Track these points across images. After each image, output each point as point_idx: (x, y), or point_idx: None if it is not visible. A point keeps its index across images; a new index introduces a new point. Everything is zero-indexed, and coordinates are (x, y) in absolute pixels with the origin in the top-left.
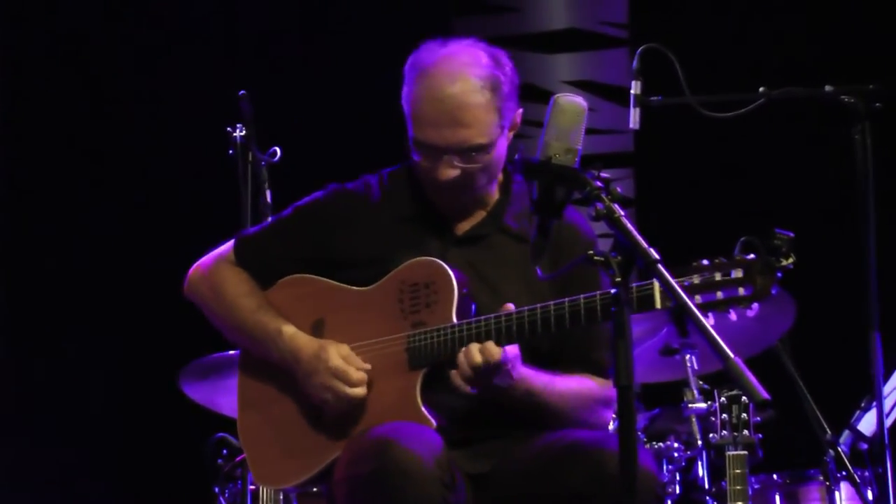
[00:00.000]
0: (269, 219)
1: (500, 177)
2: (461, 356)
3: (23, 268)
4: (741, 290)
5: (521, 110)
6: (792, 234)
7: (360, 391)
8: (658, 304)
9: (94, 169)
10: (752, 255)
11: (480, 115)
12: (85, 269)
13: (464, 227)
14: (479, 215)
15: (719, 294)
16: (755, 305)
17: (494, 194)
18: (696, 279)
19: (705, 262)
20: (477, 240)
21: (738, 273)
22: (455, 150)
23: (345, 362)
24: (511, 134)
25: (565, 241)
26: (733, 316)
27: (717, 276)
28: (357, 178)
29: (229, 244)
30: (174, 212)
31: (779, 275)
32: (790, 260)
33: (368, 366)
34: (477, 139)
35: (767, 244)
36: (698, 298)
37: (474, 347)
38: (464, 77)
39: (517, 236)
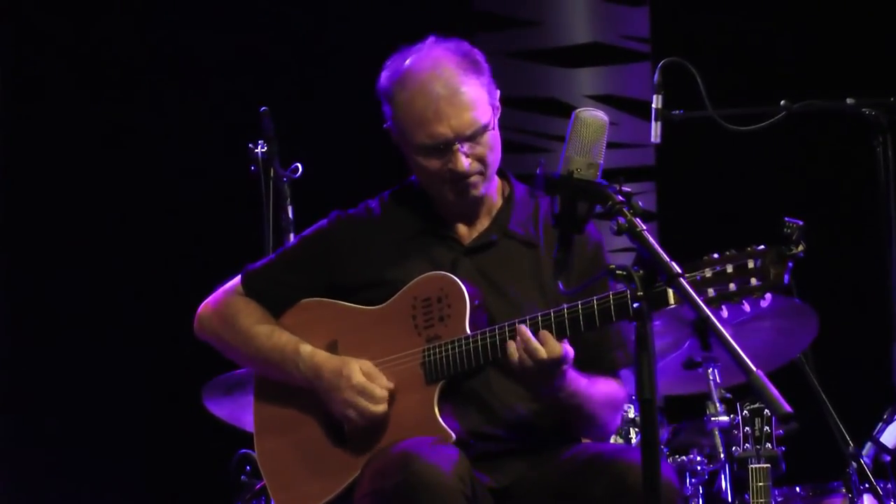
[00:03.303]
0: (276, 252)
1: (500, 183)
2: (517, 349)
3: (44, 283)
4: (753, 281)
5: (499, 92)
6: (801, 223)
7: (384, 408)
8: (672, 302)
9: (117, 184)
10: (762, 246)
11: (474, 94)
12: (106, 284)
13: (470, 235)
14: (484, 222)
15: (732, 286)
16: (768, 295)
17: (496, 200)
18: (707, 272)
19: (716, 255)
20: (485, 247)
21: (749, 264)
22: (464, 136)
23: (368, 379)
24: (497, 115)
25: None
26: (747, 307)
27: (729, 268)
28: (357, 205)
29: (236, 279)
30: (197, 227)
31: (790, 264)
32: (801, 248)
33: (391, 384)
34: (480, 119)
35: (778, 233)
36: (710, 291)
37: (533, 342)
38: (445, 67)
39: (525, 241)
